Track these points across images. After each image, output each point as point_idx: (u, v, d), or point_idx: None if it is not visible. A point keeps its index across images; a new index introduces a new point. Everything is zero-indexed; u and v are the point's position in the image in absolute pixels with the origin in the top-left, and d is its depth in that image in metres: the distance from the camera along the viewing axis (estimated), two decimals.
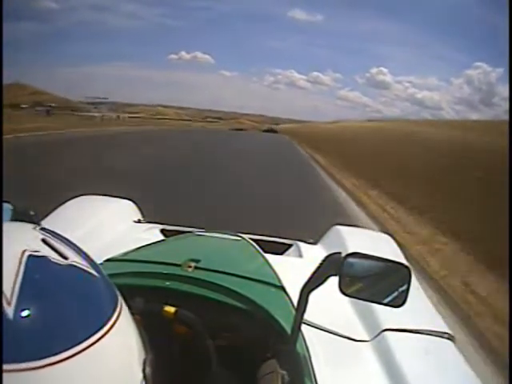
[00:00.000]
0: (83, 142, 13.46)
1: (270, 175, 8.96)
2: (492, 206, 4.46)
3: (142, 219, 1.61)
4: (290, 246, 1.50)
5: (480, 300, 2.88)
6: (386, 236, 1.59)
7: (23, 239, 0.38)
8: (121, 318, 0.41)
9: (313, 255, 1.26)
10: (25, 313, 0.33)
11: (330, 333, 0.82)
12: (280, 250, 1.45)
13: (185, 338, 0.71)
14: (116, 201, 1.64)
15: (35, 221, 0.73)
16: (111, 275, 0.79)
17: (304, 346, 0.72)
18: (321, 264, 0.64)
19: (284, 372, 0.63)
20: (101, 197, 1.67)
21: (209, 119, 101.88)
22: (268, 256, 1.07)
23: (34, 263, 0.36)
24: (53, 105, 31.59)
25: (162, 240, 1.29)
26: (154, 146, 13.74)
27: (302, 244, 1.46)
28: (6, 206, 0.73)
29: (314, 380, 0.66)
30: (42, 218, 1.12)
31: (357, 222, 4.87)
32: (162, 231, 1.50)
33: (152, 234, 1.42)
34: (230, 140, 22.99)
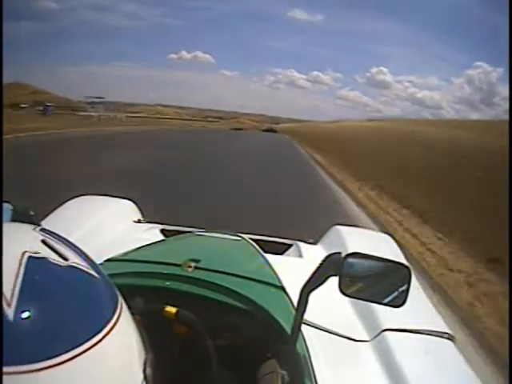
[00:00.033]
0: (81, 142, 13.21)
1: (269, 174, 8.95)
2: (492, 205, 4.46)
3: (141, 219, 1.61)
4: (290, 245, 1.50)
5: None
6: (386, 236, 1.59)
7: (23, 240, 0.38)
8: (121, 319, 0.41)
9: (313, 255, 1.26)
10: (25, 314, 0.33)
11: (330, 333, 0.82)
12: (280, 249, 1.45)
13: (185, 338, 0.71)
14: (116, 201, 1.64)
15: (35, 221, 0.73)
16: (111, 275, 0.79)
17: (304, 346, 0.72)
18: (321, 264, 0.64)
19: (284, 372, 0.63)
20: (101, 197, 1.67)
21: (209, 119, 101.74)
22: (268, 256, 1.07)
23: (34, 265, 0.36)
24: (49, 104, 31.08)
25: (162, 240, 1.29)
26: (152, 147, 13.53)
27: (302, 244, 1.46)
28: (6, 206, 0.73)
29: (313, 380, 0.66)
30: (42, 218, 1.12)
31: (357, 223, 4.86)
32: (162, 231, 1.50)
33: (152, 234, 1.42)
34: (230, 140, 22.82)
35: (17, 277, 0.34)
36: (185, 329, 0.71)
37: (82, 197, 1.60)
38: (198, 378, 0.69)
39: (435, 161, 8.35)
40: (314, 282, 0.64)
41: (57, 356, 0.33)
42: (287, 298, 0.83)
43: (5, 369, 0.30)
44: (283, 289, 0.87)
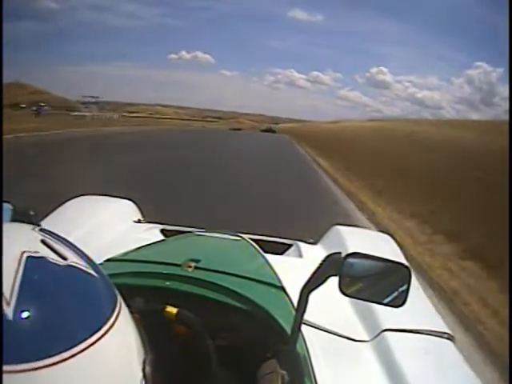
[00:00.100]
0: (72, 144, 12.42)
1: (269, 174, 8.95)
2: (491, 205, 4.45)
3: (141, 219, 1.61)
4: (290, 246, 1.51)
5: None
6: (386, 236, 1.59)
7: (22, 240, 0.38)
8: (120, 317, 0.41)
9: (313, 255, 1.27)
10: (24, 313, 0.33)
11: (330, 333, 0.82)
12: (280, 249, 1.45)
13: (185, 338, 0.71)
14: (116, 201, 1.64)
15: (35, 221, 0.73)
16: (111, 275, 0.79)
17: (304, 346, 0.72)
18: (321, 264, 0.64)
19: (284, 372, 0.63)
20: (101, 197, 1.68)
21: (208, 119, 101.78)
22: (268, 256, 1.07)
23: (33, 264, 0.36)
24: (43, 104, 30.74)
25: (162, 240, 1.29)
26: (148, 148, 13.16)
27: (302, 244, 1.46)
28: (6, 206, 0.73)
29: (313, 380, 0.66)
30: (42, 218, 1.12)
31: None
32: (162, 231, 1.50)
33: (152, 233, 1.42)
34: (228, 140, 22.70)
35: (16, 276, 0.34)
36: (185, 329, 0.71)
37: (82, 197, 1.61)
38: (198, 378, 0.69)
39: (440, 162, 7.92)
40: (314, 281, 0.64)
41: (56, 354, 0.33)
42: (287, 298, 0.83)
43: (4, 367, 0.30)
44: (283, 289, 0.87)
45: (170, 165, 8.94)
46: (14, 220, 0.70)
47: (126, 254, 0.98)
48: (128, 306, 0.69)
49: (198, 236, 1.30)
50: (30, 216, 0.72)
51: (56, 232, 0.46)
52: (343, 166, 10.72)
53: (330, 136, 22.90)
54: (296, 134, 32.50)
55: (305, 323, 0.73)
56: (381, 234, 1.72)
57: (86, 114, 31.03)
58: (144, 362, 0.44)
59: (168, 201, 5.04)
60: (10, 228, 0.42)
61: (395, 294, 0.67)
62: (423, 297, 1.06)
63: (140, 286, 0.81)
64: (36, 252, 0.37)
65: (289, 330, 0.69)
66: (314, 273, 0.64)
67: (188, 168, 8.65)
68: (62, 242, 0.43)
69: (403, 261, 0.99)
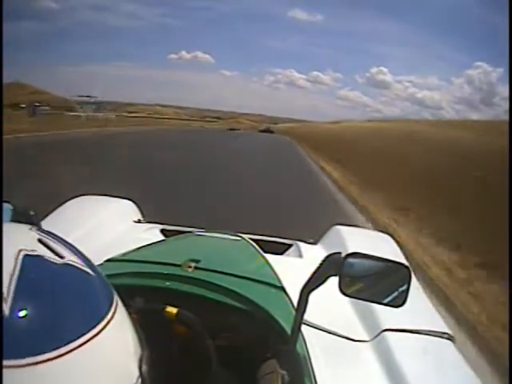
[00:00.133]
0: (62, 146, 11.31)
1: (269, 175, 8.94)
2: (491, 205, 4.45)
3: (141, 219, 1.61)
4: (290, 246, 1.51)
5: None
6: (386, 236, 1.59)
7: (20, 239, 0.39)
8: (116, 315, 0.41)
9: (313, 255, 1.27)
10: (21, 310, 0.33)
11: (330, 333, 0.82)
12: (280, 249, 1.45)
13: (185, 338, 0.71)
14: (116, 201, 1.64)
15: (35, 221, 0.73)
16: (111, 275, 0.79)
17: (304, 346, 0.73)
18: (321, 264, 0.64)
19: (284, 372, 0.64)
20: (101, 197, 1.68)
21: (208, 119, 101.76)
22: (268, 256, 1.07)
23: (30, 262, 0.36)
24: (37, 104, 30.34)
25: (162, 240, 1.30)
26: (145, 148, 12.80)
27: (302, 244, 1.46)
28: (6, 206, 0.73)
29: (313, 380, 0.66)
30: (42, 218, 1.12)
31: None
32: (162, 231, 1.50)
33: (152, 234, 1.43)
34: (228, 140, 22.44)
35: (13, 274, 0.34)
36: (185, 329, 0.71)
37: (82, 197, 1.61)
38: (198, 378, 0.69)
39: (447, 163, 7.49)
40: (314, 282, 0.64)
41: (53, 350, 0.33)
42: (287, 298, 0.83)
43: (3, 362, 0.31)
44: (283, 289, 0.87)
45: (164, 165, 8.70)
46: (13, 220, 0.70)
47: (125, 254, 0.98)
48: (128, 306, 0.69)
49: (197, 236, 1.30)
50: (29, 216, 0.72)
51: (56, 232, 0.47)
52: (356, 175, 8.95)
53: (331, 137, 22.72)
54: (296, 135, 32.22)
55: (305, 323, 0.73)
56: (381, 233, 1.72)
57: (81, 114, 30.29)
58: (140, 360, 0.45)
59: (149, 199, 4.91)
60: (7, 228, 0.42)
61: (395, 293, 0.67)
62: (423, 297, 1.06)
63: (140, 287, 0.81)
64: (33, 250, 0.38)
65: (289, 330, 0.69)
66: (314, 273, 0.64)
67: (184, 168, 8.55)
68: (59, 241, 0.43)
69: (403, 261, 0.99)
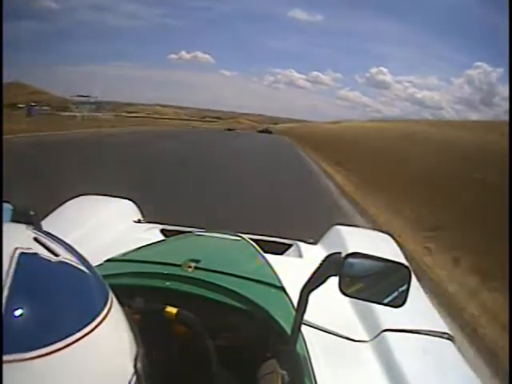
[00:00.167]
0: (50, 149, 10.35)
1: (269, 175, 8.93)
2: (490, 204, 4.45)
3: (141, 219, 1.61)
4: (290, 246, 1.51)
5: None
6: (386, 236, 1.59)
7: (16, 238, 0.39)
8: (111, 312, 0.42)
9: (313, 255, 1.27)
10: (16, 307, 0.34)
11: (330, 333, 0.82)
12: (280, 249, 1.45)
13: (185, 338, 0.71)
14: (116, 201, 1.64)
15: (35, 221, 0.73)
16: (112, 275, 0.79)
17: (304, 347, 0.73)
18: (321, 264, 0.65)
19: (284, 372, 0.64)
20: (101, 197, 1.68)
21: (208, 119, 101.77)
22: (268, 256, 1.07)
23: (26, 260, 0.37)
24: (33, 104, 30.06)
25: (162, 240, 1.30)
26: (138, 148, 12.55)
27: (302, 244, 1.46)
28: (6, 206, 0.73)
29: (313, 380, 0.66)
30: (42, 218, 1.12)
31: None
32: (162, 231, 1.50)
33: (152, 234, 1.43)
34: (227, 140, 22.22)
35: (8, 271, 0.35)
36: (185, 329, 0.71)
37: (82, 197, 1.61)
38: (198, 378, 0.69)
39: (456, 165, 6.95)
40: (314, 282, 0.64)
41: (48, 345, 0.34)
42: (287, 299, 0.83)
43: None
44: (283, 289, 0.87)
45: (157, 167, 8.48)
46: (13, 220, 0.70)
47: (125, 254, 0.98)
48: (128, 306, 0.70)
49: (197, 236, 1.30)
50: (29, 216, 0.72)
51: (56, 232, 0.47)
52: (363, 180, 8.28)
53: (331, 137, 22.56)
54: (296, 135, 32.03)
55: (305, 323, 0.74)
56: (381, 233, 1.72)
57: (77, 114, 29.74)
58: (136, 358, 0.45)
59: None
60: (3, 228, 0.42)
61: (395, 293, 0.67)
62: (423, 297, 1.06)
63: (140, 287, 0.81)
64: (28, 248, 0.38)
65: (289, 330, 0.69)
66: (314, 273, 0.64)
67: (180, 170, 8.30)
68: (54, 239, 0.44)
69: (403, 261, 1.00)
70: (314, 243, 1.50)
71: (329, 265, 0.64)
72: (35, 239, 0.41)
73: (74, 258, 0.43)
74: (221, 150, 15.81)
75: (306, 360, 0.70)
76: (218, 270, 0.87)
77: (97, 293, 0.43)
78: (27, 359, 0.32)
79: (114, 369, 0.41)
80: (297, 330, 0.67)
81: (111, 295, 0.44)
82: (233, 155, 13.47)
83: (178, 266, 0.87)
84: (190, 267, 0.86)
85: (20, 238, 0.40)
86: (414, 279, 0.69)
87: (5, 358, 0.31)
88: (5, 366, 0.31)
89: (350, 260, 0.65)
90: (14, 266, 0.35)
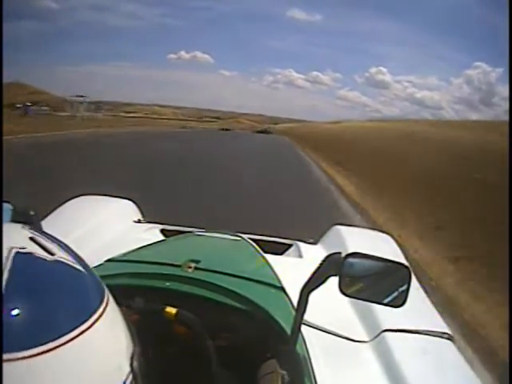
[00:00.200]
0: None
1: (268, 175, 8.91)
2: (490, 203, 4.44)
3: (141, 219, 1.61)
4: (289, 246, 1.51)
5: None
6: (386, 236, 1.60)
7: (11, 238, 0.40)
8: (107, 311, 0.42)
9: (313, 255, 1.27)
10: (12, 306, 0.34)
11: (330, 333, 0.82)
12: (280, 250, 1.45)
13: (185, 338, 0.71)
14: (116, 201, 1.64)
15: (35, 221, 0.73)
16: (112, 275, 0.79)
17: (304, 347, 0.73)
18: (321, 264, 0.65)
19: (284, 372, 0.64)
20: (101, 197, 1.68)
21: (207, 119, 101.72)
22: (268, 256, 1.07)
23: (21, 259, 0.37)
24: (29, 104, 29.79)
25: (162, 240, 1.30)
26: (128, 148, 12.13)
27: (301, 244, 1.46)
28: (6, 206, 0.73)
29: (313, 380, 0.66)
30: (42, 218, 1.12)
31: None
32: (162, 231, 1.50)
33: (152, 234, 1.43)
34: (223, 139, 21.79)
35: (4, 271, 0.35)
36: (185, 329, 0.71)
37: (82, 197, 1.61)
38: (198, 378, 0.69)
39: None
40: (314, 282, 0.64)
41: (43, 344, 0.34)
42: (287, 299, 0.83)
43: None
44: (283, 289, 0.87)
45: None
46: (13, 220, 0.70)
47: (126, 254, 0.98)
48: (128, 306, 0.70)
49: (197, 236, 1.30)
50: (29, 216, 0.72)
51: (56, 232, 0.47)
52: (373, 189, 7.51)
53: (331, 137, 22.43)
54: (296, 136, 31.75)
55: (305, 323, 0.74)
56: (381, 233, 1.72)
57: (77, 114, 29.34)
58: (132, 357, 0.45)
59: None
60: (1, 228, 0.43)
61: (395, 294, 0.67)
62: (423, 297, 1.06)
63: (140, 287, 0.81)
64: (24, 248, 0.38)
65: (289, 331, 0.69)
66: (314, 273, 0.64)
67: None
68: (50, 239, 0.44)
69: (403, 261, 0.99)
70: (314, 243, 1.50)
71: (329, 265, 0.64)
72: (31, 238, 0.41)
73: (69, 257, 0.43)
74: (219, 150, 15.51)
75: (306, 360, 0.70)
76: (218, 270, 0.87)
77: (92, 291, 0.43)
78: (22, 358, 0.32)
79: (110, 368, 0.41)
80: (297, 330, 0.67)
81: (107, 294, 0.44)
82: (231, 156, 13.21)
83: (178, 266, 0.87)
84: (189, 267, 0.86)
85: (15, 237, 0.40)
86: (413, 279, 0.69)
87: (4, 356, 0.31)
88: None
89: (350, 260, 0.65)
90: (9, 265, 0.35)
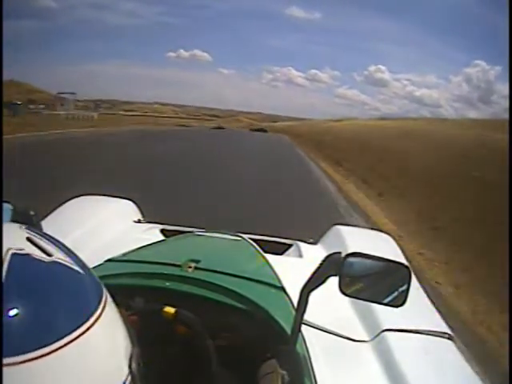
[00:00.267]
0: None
1: (268, 174, 8.87)
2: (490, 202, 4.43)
3: (141, 219, 1.61)
4: (290, 245, 1.51)
5: None
6: (386, 236, 1.60)
7: (8, 238, 0.39)
8: (106, 312, 0.42)
9: (313, 255, 1.27)
10: (9, 309, 0.34)
11: (330, 333, 0.82)
12: (280, 250, 1.45)
13: (185, 338, 0.71)
14: (116, 201, 1.64)
15: (35, 221, 0.73)
16: (112, 275, 0.79)
17: (304, 346, 0.73)
18: (321, 264, 0.65)
19: (284, 372, 0.64)
20: (101, 197, 1.68)
21: (206, 117, 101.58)
22: (268, 256, 1.07)
23: (18, 260, 0.37)
24: (18, 103, 29.43)
25: (162, 240, 1.30)
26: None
27: (302, 244, 1.46)
28: (6, 206, 0.72)
29: (313, 380, 0.66)
30: (42, 218, 1.12)
31: None
32: (162, 231, 1.50)
33: (152, 234, 1.43)
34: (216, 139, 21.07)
35: (0, 273, 0.35)
36: (185, 329, 0.71)
37: (82, 197, 1.60)
38: (198, 378, 0.69)
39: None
40: (314, 282, 0.64)
41: (42, 347, 0.33)
42: (287, 299, 0.84)
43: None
44: (283, 289, 0.87)
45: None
46: (13, 220, 0.70)
47: (126, 254, 0.98)
48: (128, 306, 0.70)
49: (197, 236, 1.30)
50: (29, 216, 0.72)
51: (56, 232, 0.47)
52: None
53: (331, 136, 22.08)
54: (296, 134, 31.41)
55: (305, 323, 0.74)
56: (381, 233, 1.72)
57: (61, 112, 28.13)
58: (131, 358, 0.45)
59: None
60: None
61: (395, 294, 0.67)
62: (423, 297, 1.06)
63: (140, 287, 0.81)
64: (21, 249, 0.38)
65: (289, 330, 0.69)
66: (314, 273, 0.64)
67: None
68: (48, 239, 0.44)
69: (403, 261, 1.00)
70: (314, 243, 1.50)
71: (329, 265, 0.64)
72: (28, 239, 0.41)
73: (67, 258, 0.43)
74: (209, 150, 14.60)
75: (306, 360, 0.70)
76: (218, 270, 0.87)
77: (91, 292, 0.43)
78: (19, 363, 0.32)
79: (109, 369, 0.41)
80: (297, 330, 0.67)
81: (106, 295, 0.44)
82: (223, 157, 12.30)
83: (178, 266, 0.87)
84: (189, 267, 0.86)
85: (13, 238, 0.40)
86: (414, 279, 0.69)
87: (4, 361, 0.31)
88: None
89: (350, 260, 0.65)
90: (6, 267, 0.35)
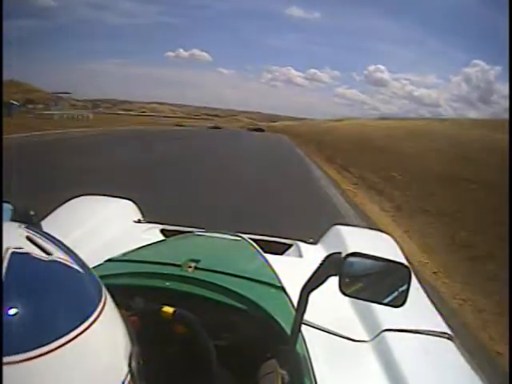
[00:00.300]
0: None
1: (267, 173, 8.86)
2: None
3: (141, 219, 1.61)
4: (289, 246, 1.51)
5: None
6: (386, 236, 1.59)
7: (8, 237, 0.39)
8: (105, 311, 0.42)
9: (313, 255, 1.27)
10: (8, 308, 0.34)
11: (330, 333, 0.82)
12: (280, 250, 1.45)
13: (184, 338, 0.71)
14: (116, 201, 1.64)
15: (35, 221, 0.73)
16: (112, 275, 0.79)
17: (304, 346, 0.73)
18: (321, 264, 0.65)
19: (284, 372, 0.64)
20: (101, 197, 1.68)
21: (205, 117, 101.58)
22: (268, 256, 1.07)
23: (17, 259, 0.37)
24: (15, 103, 29.20)
25: (162, 240, 1.30)
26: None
27: (302, 244, 1.46)
28: (6, 206, 0.73)
29: (313, 380, 0.66)
30: (42, 218, 1.12)
31: None
32: (162, 231, 1.50)
33: (152, 234, 1.43)
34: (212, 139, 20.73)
35: (0, 272, 0.35)
36: (184, 329, 0.71)
37: (82, 197, 1.60)
38: (198, 378, 0.69)
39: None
40: (314, 282, 0.64)
41: (42, 346, 0.33)
42: (287, 299, 0.84)
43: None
44: (283, 289, 0.87)
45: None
46: (13, 220, 0.70)
47: (126, 254, 0.98)
48: (128, 306, 0.70)
49: (197, 236, 1.30)
50: (29, 216, 0.72)
51: (56, 232, 0.47)
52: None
53: (332, 136, 21.88)
54: (296, 135, 30.99)
55: (305, 323, 0.74)
56: (381, 233, 1.72)
57: (54, 112, 27.75)
58: (130, 357, 0.45)
59: None
60: None
61: (395, 293, 0.67)
62: (423, 297, 1.06)
63: (140, 287, 0.81)
64: (20, 248, 0.38)
65: (289, 330, 0.69)
66: (314, 273, 0.64)
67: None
68: (47, 238, 0.44)
69: (403, 261, 1.00)
70: (314, 243, 1.50)
71: (329, 265, 0.64)
72: (27, 238, 0.41)
73: (67, 257, 0.43)
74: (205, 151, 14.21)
75: (306, 360, 0.70)
76: (218, 270, 0.87)
77: (90, 291, 0.43)
78: (19, 362, 0.32)
79: (108, 368, 0.41)
80: (297, 330, 0.67)
81: (105, 294, 0.44)
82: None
83: (178, 266, 0.87)
84: (189, 267, 0.86)
85: (12, 237, 0.40)
86: (414, 279, 0.69)
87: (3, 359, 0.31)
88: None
89: (350, 260, 0.65)
90: (5, 266, 0.35)
